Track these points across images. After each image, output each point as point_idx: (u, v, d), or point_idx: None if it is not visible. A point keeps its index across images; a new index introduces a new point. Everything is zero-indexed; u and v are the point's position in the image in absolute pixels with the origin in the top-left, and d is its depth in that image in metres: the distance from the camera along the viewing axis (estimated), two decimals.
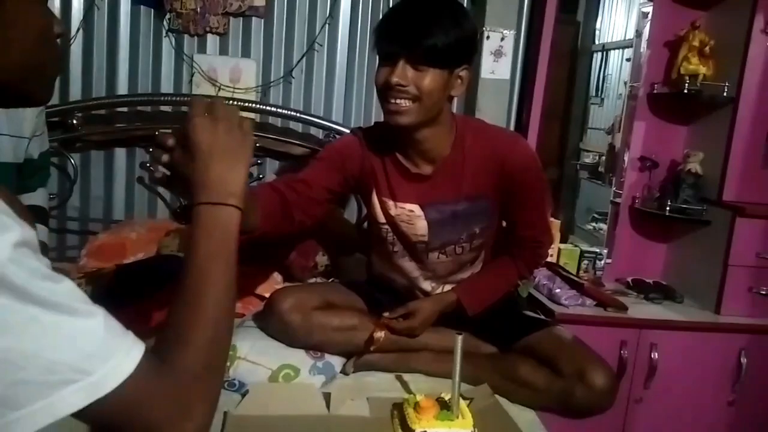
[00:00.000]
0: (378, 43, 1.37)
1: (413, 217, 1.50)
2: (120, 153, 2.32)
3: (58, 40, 0.73)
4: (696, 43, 2.12)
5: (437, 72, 1.33)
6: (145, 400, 0.60)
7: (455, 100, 1.50)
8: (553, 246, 2.23)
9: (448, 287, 1.59)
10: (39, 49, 0.68)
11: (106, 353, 0.56)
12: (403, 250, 1.56)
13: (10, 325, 0.51)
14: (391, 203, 1.52)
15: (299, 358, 1.47)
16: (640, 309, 2.07)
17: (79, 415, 0.55)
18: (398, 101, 1.34)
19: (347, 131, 2.23)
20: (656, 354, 1.99)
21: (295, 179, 1.47)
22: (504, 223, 1.62)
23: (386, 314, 1.53)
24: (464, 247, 1.54)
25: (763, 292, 2.05)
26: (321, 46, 2.32)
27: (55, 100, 2.22)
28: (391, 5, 2.29)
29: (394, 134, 1.44)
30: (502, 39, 2.31)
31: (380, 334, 1.49)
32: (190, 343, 0.67)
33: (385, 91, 1.35)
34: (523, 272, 1.63)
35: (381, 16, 1.48)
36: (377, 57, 1.41)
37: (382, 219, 1.54)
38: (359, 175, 1.52)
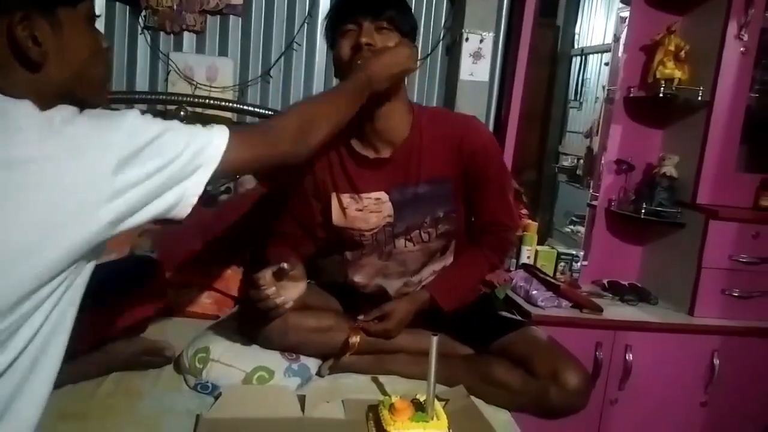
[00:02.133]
0: (339, 15, 1.39)
1: (380, 203, 1.49)
2: None
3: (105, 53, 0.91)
4: (672, 48, 2.15)
5: (396, 36, 1.38)
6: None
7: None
8: (530, 248, 2.24)
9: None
10: (92, 62, 0.86)
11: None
12: (365, 248, 1.54)
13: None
14: (352, 200, 1.50)
15: (274, 360, 1.46)
16: (615, 311, 2.08)
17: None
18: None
19: None
20: (631, 355, 2.00)
21: (282, 231, 1.57)
22: (473, 219, 1.62)
23: (361, 317, 1.52)
24: (430, 233, 1.52)
25: (736, 294, 2.09)
26: (299, 45, 2.31)
27: None
28: None
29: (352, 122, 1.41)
30: (481, 41, 2.32)
31: (355, 339, 1.48)
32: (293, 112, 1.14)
33: (351, 60, 1.35)
34: (492, 260, 1.62)
35: None
36: (333, 38, 1.41)
37: (340, 222, 1.52)
38: (320, 179, 1.51)
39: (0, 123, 0.75)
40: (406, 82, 1.48)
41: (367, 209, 1.50)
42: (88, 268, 0.85)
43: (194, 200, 0.89)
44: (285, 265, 1.27)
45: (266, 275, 1.28)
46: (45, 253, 0.74)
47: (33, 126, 0.75)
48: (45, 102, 0.79)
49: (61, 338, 0.84)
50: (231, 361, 1.42)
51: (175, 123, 0.87)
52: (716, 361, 2.05)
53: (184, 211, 0.88)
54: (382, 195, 1.49)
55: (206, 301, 1.81)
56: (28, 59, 0.79)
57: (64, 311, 0.83)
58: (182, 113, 2.15)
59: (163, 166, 0.83)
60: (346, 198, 1.50)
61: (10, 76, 0.79)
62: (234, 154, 0.92)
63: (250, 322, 1.47)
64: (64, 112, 0.78)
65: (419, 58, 2.37)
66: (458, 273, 1.59)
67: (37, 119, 0.76)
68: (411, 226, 1.51)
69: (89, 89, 0.87)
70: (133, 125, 0.80)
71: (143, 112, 0.84)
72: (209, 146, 0.90)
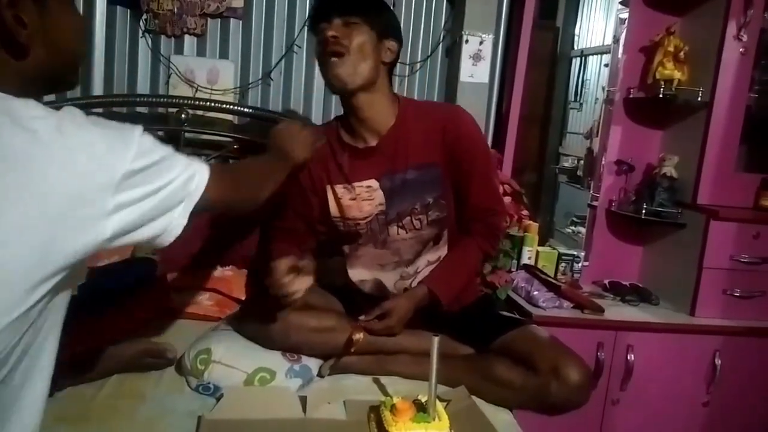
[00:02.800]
0: (314, 17, 1.49)
1: (372, 191, 1.55)
2: None
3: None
4: (671, 49, 2.15)
5: (366, 30, 1.44)
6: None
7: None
8: (531, 249, 2.24)
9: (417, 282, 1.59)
10: (76, 39, 0.86)
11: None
12: (362, 237, 1.57)
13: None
14: (345, 190, 1.55)
15: (275, 361, 1.46)
16: (616, 311, 2.08)
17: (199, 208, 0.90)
18: (334, 58, 1.43)
19: None
20: (632, 356, 2.00)
21: (284, 226, 1.62)
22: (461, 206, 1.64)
23: (362, 317, 1.52)
24: (421, 219, 1.55)
25: (737, 294, 2.09)
26: (300, 48, 2.31)
27: None
28: None
29: (338, 117, 1.53)
30: (481, 43, 2.32)
31: (359, 336, 1.49)
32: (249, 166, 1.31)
33: (324, 54, 1.45)
34: (485, 248, 1.64)
35: None
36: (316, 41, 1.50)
37: (336, 213, 1.58)
38: (315, 173, 1.57)
39: (5, 122, 0.72)
40: (391, 81, 1.58)
41: (360, 197, 1.54)
42: (69, 285, 0.82)
43: (179, 230, 0.88)
44: (302, 262, 1.36)
45: (283, 264, 1.34)
46: (47, 261, 0.73)
47: (43, 129, 0.73)
48: (27, 87, 0.78)
49: (49, 351, 0.82)
50: (232, 363, 1.42)
51: (171, 149, 0.87)
52: (718, 362, 2.05)
53: (168, 239, 0.88)
54: (373, 183, 1.54)
55: (207, 303, 1.82)
56: (15, 44, 0.76)
57: (53, 323, 0.81)
58: (183, 116, 2.16)
59: (158, 189, 0.83)
60: (340, 189, 1.56)
61: None
62: (212, 191, 0.92)
63: (257, 318, 1.49)
64: (74, 116, 0.77)
65: (418, 59, 2.38)
66: (453, 264, 1.61)
67: (47, 122, 0.74)
68: (402, 213, 1.55)
69: (70, 67, 0.87)
70: (141, 144, 0.80)
71: (144, 129, 0.83)
72: (195, 178, 0.90)
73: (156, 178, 0.82)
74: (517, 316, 1.79)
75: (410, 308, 1.53)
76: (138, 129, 0.81)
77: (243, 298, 1.81)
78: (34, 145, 0.72)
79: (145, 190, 0.81)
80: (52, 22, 0.80)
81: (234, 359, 1.43)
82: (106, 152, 0.76)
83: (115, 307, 1.49)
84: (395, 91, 1.62)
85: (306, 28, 2.29)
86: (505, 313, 1.73)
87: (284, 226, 1.63)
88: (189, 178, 0.89)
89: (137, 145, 0.79)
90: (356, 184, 1.55)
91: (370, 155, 1.54)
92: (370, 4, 1.49)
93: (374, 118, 1.52)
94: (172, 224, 0.87)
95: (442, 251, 1.62)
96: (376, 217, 1.56)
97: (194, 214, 0.89)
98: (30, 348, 0.78)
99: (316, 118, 2.36)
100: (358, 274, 1.62)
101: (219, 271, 1.87)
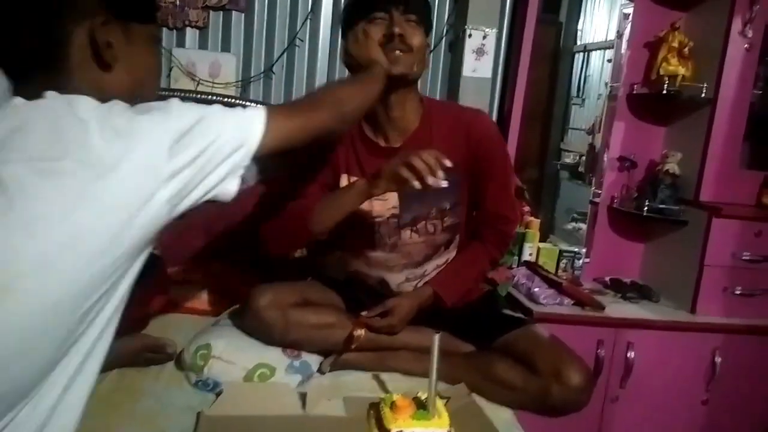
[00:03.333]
0: (368, 2, 1.42)
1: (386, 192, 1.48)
2: None
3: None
4: (675, 44, 2.14)
5: (422, 30, 1.44)
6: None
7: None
8: (532, 245, 2.24)
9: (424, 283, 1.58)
10: (150, 76, 0.98)
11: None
12: (367, 235, 1.54)
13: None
14: None
15: (275, 357, 1.46)
16: (617, 308, 2.08)
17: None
18: (401, 52, 1.40)
19: None
20: (632, 353, 2.00)
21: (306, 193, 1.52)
22: (476, 212, 1.63)
23: (364, 313, 1.52)
24: (435, 225, 1.54)
25: (738, 292, 2.08)
26: (302, 41, 2.30)
27: None
28: None
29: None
30: (484, 37, 2.31)
31: (360, 332, 1.48)
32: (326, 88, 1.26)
33: (385, 44, 1.39)
34: (493, 255, 1.64)
35: None
36: (350, 24, 1.44)
37: None
38: (331, 158, 1.53)
39: (65, 115, 0.79)
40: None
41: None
42: (137, 266, 0.87)
43: (237, 180, 0.92)
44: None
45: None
46: (116, 245, 0.77)
47: (93, 117, 0.79)
48: (104, 99, 0.85)
49: (106, 340, 0.84)
50: (232, 358, 1.42)
51: (216, 106, 0.91)
52: (718, 359, 2.04)
53: (229, 190, 0.91)
54: None
55: (208, 298, 1.81)
56: (102, 60, 0.87)
57: (115, 310, 0.84)
58: None
59: (207, 146, 0.87)
60: (353, 180, 1.51)
61: (84, 74, 0.87)
62: (274, 130, 0.96)
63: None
64: (118, 104, 0.83)
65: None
66: (460, 268, 1.60)
67: (97, 110, 0.80)
68: (418, 217, 1.52)
69: (142, 98, 0.93)
70: (180, 109, 0.86)
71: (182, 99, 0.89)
72: (248, 125, 0.94)
73: (200, 137, 0.86)
74: (520, 315, 1.79)
75: (413, 307, 1.53)
76: (174, 100, 0.87)
77: (242, 293, 1.81)
78: (88, 134, 0.77)
79: (193, 150, 0.85)
80: (134, 52, 0.91)
81: (234, 355, 1.43)
82: (153, 127, 0.82)
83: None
84: None
85: (308, 21, 2.28)
86: (507, 312, 1.73)
87: (303, 194, 1.52)
88: (240, 127, 0.92)
89: (176, 113, 0.85)
90: None
91: (390, 155, 1.45)
92: (427, 3, 1.49)
93: (402, 119, 1.50)
94: (230, 173, 0.90)
95: (451, 255, 1.61)
96: (387, 220, 1.53)
97: (269, 158, 0.96)
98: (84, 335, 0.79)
99: None
100: (363, 269, 1.60)
101: (219, 266, 1.87)
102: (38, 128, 0.77)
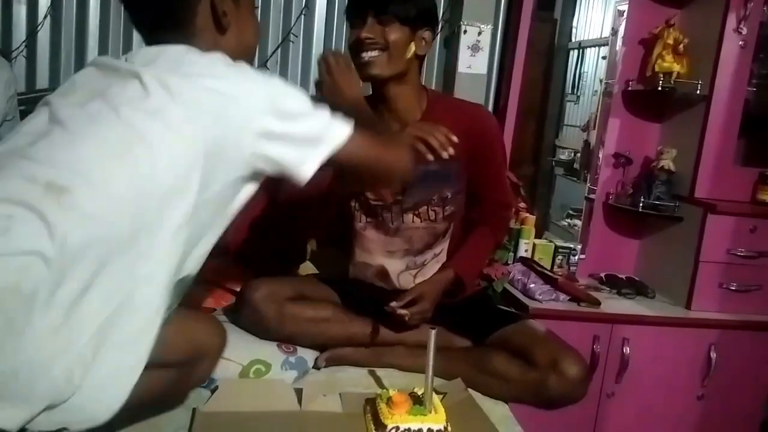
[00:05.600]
0: (348, 9, 1.51)
1: None
2: None
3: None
4: (670, 41, 2.14)
5: (400, 26, 1.46)
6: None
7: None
8: (527, 241, 2.24)
9: (420, 278, 1.58)
10: (252, 39, 1.16)
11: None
12: (369, 217, 1.56)
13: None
14: None
15: (271, 353, 1.45)
16: (612, 304, 2.08)
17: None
18: (367, 53, 1.45)
19: None
20: (628, 349, 2.00)
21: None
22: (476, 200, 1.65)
23: (393, 303, 1.49)
24: (436, 211, 1.56)
25: (733, 288, 2.09)
26: (296, 37, 2.29)
27: (20, 87, 2.16)
28: None
29: (368, 101, 1.49)
30: (480, 33, 2.31)
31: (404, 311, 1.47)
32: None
33: (356, 49, 1.46)
34: (498, 239, 1.74)
35: None
36: (350, 28, 1.53)
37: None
38: None
39: (194, 52, 1.00)
40: (421, 72, 1.62)
41: None
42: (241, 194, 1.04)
43: (311, 172, 1.01)
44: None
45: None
46: (201, 145, 0.93)
47: (217, 58, 1.00)
48: None
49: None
50: (227, 354, 1.40)
51: (321, 105, 1.05)
52: (713, 355, 2.05)
53: (300, 176, 1.01)
54: None
55: (203, 295, 1.80)
56: (220, 25, 1.07)
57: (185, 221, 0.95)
58: None
59: (299, 130, 1.00)
60: None
61: (205, 36, 1.06)
62: (352, 145, 1.04)
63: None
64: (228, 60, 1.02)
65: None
66: (474, 252, 1.64)
67: (219, 55, 1.02)
68: (419, 202, 1.55)
69: (246, 55, 1.13)
70: (288, 86, 1.03)
71: None
72: (336, 129, 1.03)
73: (297, 119, 1.00)
74: (514, 311, 1.79)
75: (439, 293, 1.54)
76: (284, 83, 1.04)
77: (237, 289, 1.80)
78: (216, 67, 0.99)
79: (287, 127, 0.99)
80: (242, 18, 1.10)
81: (229, 351, 1.40)
82: (263, 83, 1.01)
83: None
84: None
85: (303, 16, 2.27)
86: (502, 308, 1.73)
87: None
88: (329, 127, 1.03)
89: (284, 86, 1.03)
90: None
91: None
92: (405, 1, 1.47)
93: (403, 109, 1.54)
94: (306, 163, 1.00)
95: (445, 245, 1.62)
96: (390, 206, 1.55)
97: (335, 165, 1.05)
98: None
99: None
100: (363, 256, 1.60)
101: (215, 263, 1.85)
102: (173, 51, 1.00)
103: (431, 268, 1.59)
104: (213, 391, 1.33)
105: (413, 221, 1.56)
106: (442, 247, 1.61)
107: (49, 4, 2.13)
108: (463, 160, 1.54)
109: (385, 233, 1.57)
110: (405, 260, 1.58)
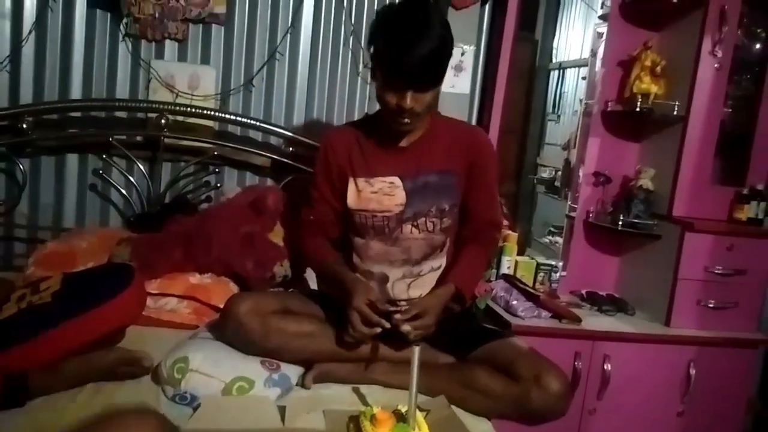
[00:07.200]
0: (390, 75, 1.47)
1: (393, 187, 1.59)
2: (72, 159, 2.25)
3: None
4: (648, 63, 2.19)
5: (434, 87, 1.50)
6: None
7: None
8: (510, 258, 2.26)
9: (414, 289, 1.60)
10: None
11: None
12: (376, 231, 1.60)
13: None
14: (367, 183, 1.60)
15: (254, 370, 1.44)
16: (593, 321, 2.11)
17: None
18: (410, 122, 1.52)
19: (308, 141, 2.23)
20: (609, 365, 2.03)
21: (316, 219, 1.70)
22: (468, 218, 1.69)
23: (398, 316, 1.48)
24: (434, 222, 1.59)
25: (711, 305, 2.12)
26: (282, 55, 2.31)
27: (4, 102, 2.15)
28: (352, 17, 2.31)
29: (377, 115, 1.62)
30: (463, 54, 2.35)
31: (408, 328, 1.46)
32: None
33: (397, 112, 1.49)
34: (489, 258, 1.80)
35: (384, 40, 1.48)
36: (380, 73, 1.51)
37: (354, 205, 1.61)
38: (340, 165, 1.64)
39: None
40: None
41: (381, 191, 1.60)
42: None
43: None
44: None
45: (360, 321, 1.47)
46: None
47: None
48: None
49: None
50: (210, 371, 1.41)
51: None
52: (692, 371, 2.08)
53: None
54: (396, 180, 1.59)
55: (185, 311, 1.79)
56: None
57: None
58: (163, 121, 2.14)
59: None
60: (361, 182, 1.61)
61: None
62: None
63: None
64: None
65: None
66: (471, 268, 1.66)
67: None
68: (418, 213, 1.59)
69: None
70: None
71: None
72: None
73: None
74: (498, 329, 1.80)
75: (441, 307, 1.54)
76: None
77: (221, 306, 1.79)
78: None
79: None
80: None
81: (212, 368, 1.41)
82: None
83: (91, 314, 1.46)
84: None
85: (288, 35, 2.29)
86: (486, 326, 1.74)
87: (314, 219, 1.70)
88: None
89: None
90: (379, 178, 1.60)
91: (398, 154, 1.61)
92: (441, 72, 1.50)
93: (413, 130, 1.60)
94: None
95: (443, 260, 1.65)
96: (394, 216, 1.59)
97: None
98: None
99: (298, 126, 2.36)
100: (367, 264, 1.63)
101: (197, 279, 1.85)
102: None
103: (428, 280, 1.61)
104: (195, 409, 1.32)
105: (411, 232, 1.60)
106: (441, 263, 1.64)
107: (33, 19, 2.13)
108: (461, 174, 1.61)
109: (384, 243, 1.61)
110: (403, 269, 1.61)
